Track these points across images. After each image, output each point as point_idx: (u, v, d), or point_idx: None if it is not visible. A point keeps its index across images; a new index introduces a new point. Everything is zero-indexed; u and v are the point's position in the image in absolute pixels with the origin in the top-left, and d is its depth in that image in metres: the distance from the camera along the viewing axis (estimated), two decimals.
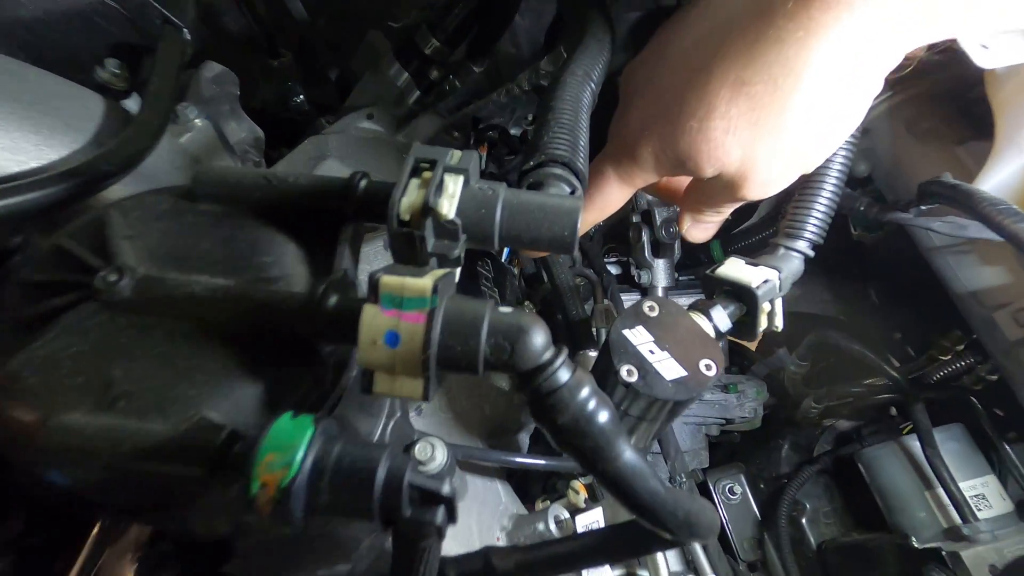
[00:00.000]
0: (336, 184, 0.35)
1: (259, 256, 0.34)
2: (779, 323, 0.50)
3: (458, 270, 0.35)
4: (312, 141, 0.73)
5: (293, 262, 0.34)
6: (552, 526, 0.55)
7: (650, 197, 0.85)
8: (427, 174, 0.33)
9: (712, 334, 0.47)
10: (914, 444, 0.70)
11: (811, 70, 0.36)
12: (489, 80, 0.86)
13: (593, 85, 0.44)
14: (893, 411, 0.87)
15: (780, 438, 0.89)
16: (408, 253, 0.33)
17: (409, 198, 0.32)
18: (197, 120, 0.56)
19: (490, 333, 0.29)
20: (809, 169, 0.43)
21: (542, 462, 0.55)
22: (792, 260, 0.51)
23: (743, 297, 0.49)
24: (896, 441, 0.71)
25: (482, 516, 0.55)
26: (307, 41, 0.90)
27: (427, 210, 0.32)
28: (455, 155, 0.34)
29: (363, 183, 0.35)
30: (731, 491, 0.83)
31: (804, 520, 0.80)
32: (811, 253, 0.51)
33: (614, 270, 0.90)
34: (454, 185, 0.33)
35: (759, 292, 0.47)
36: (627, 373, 0.44)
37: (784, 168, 0.41)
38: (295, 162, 0.71)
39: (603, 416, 0.30)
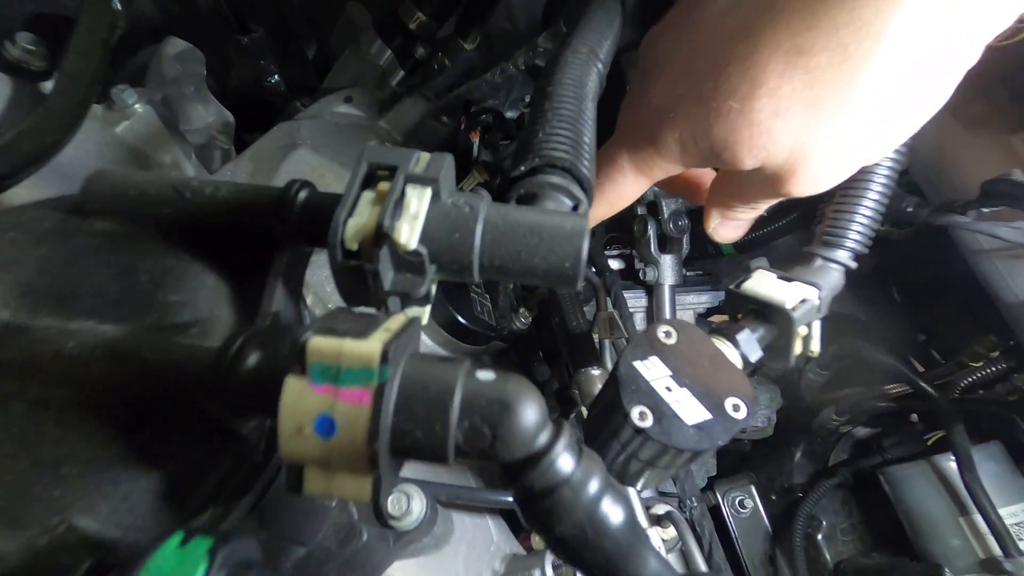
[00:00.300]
0: (268, 197, 0.26)
1: (165, 293, 0.25)
2: (816, 347, 0.41)
3: (426, 311, 0.26)
4: (282, 128, 0.64)
5: (211, 302, 0.25)
6: (549, 572, 0.47)
7: (656, 187, 0.76)
8: (383, 185, 0.24)
9: (739, 364, 0.39)
10: (947, 464, 0.62)
11: (893, 33, 0.27)
12: (481, 58, 0.76)
13: (600, 65, 0.34)
14: (914, 416, 0.79)
15: (792, 445, 0.81)
16: (358, 292, 0.24)
17: (358, 219, 0.23)
18: (137, 105, 0.47)
19: (463, 412, 0.20)
20: (874, 160, 0.35)
21: None
22: (831, 273, 0.42)
23: (775, 319, 0.40)
24: (927, 461, 0.63)
25: (470, 560, 0.47)
26: (281, 14, 0.80)
27: (381, 236, 0.23)
28: (421, 159, 0.25)
29: (302, 195, 0.26)
30: (741, 504, 0.76)
31: (820, 537, 0.72)
32: (854, 265, 0.43)
33: (616, 264, 0.81)
34: (419, 201, 0.24)
35: (795, 314, 0.39)
36: (639, 416, 0.36)
37: (844, 159, 0.33)
38: (262, 152, 0.62)
39: (617, 517, 0.22)
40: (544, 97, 0.31)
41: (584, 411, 0.55)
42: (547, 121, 0.29)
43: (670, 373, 0.37)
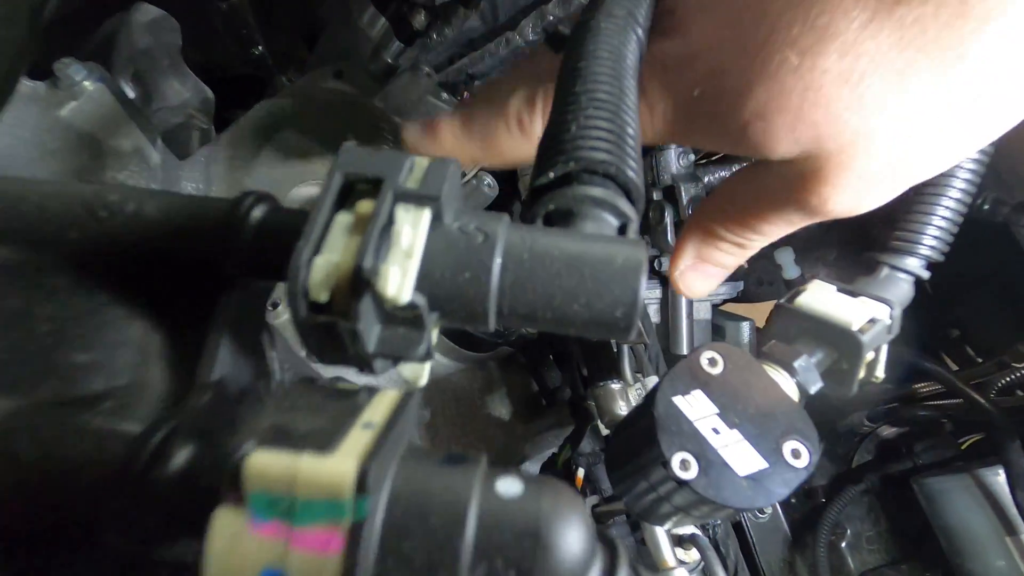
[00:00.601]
0: (212, 215, 0.19)
1: (70, 351, 0.18)
2: (881, 373, 0.35)
3: (425, 369, 0.19)
4: (264, 106, 0.56)
5: (135, 362, 0.18)
6: None
7: (675, 170, 0.68)
8: (365, 206, 0.17)
9: (795, 397, 0.32)
10: (994, 479, 0.56)
11: None
12: (485, 27, 0.68)
13: (640, 32, 0.27)
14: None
15: None
16: (332, 350, 0.17)
17: (329, 258, 0.16)
18: (86, 82, 0.39)
19: (480, 553, 0.14)
20: (956, 161, 0.27)
21: None
22: (900, 285, 0.35)
23: (836, 341, 0.33)
24: (970, 475, 0.57)
25: None
26: None
27: (362, 283, 0.16)
28: (416, 166, 0.18)
29: (256, 213, 0.19)
30: (759, 509, 0.70)
31: (844, 545, 0.67)
32: (926, 275, 0.36)
33: None
34: (413, 230, 0.17)
35: (864, 338, 0.32)
36: (681, 465, 0.29)
37: (921, 159, 0.24)
38: (241, 133, 0.54)
39: None
40: (574, 77, 0.23)
41: (601, 427, 0.48)
42: (580, 109, 0.22)
43: (717, 411, 0.30)
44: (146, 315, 0.19)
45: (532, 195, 0.20)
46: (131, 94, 0.61)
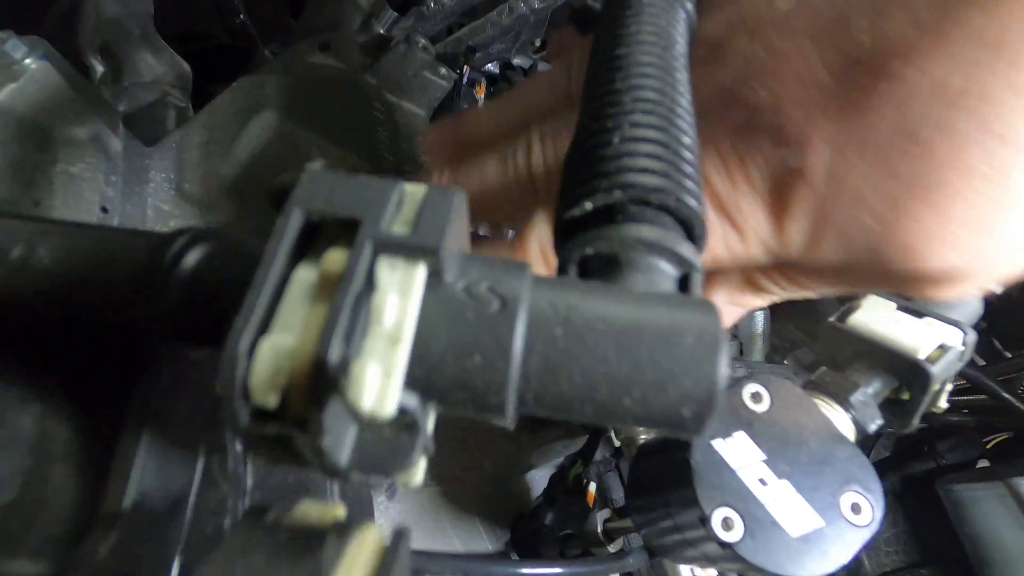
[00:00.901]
0: (129, 262, 0.14)
1: None
2: (944, 403, 0.30)
3: (420, 470, 0.14)
4: (244, 84, 0.50)
5: (25, 469, 0.13)
6: None
7: None
8: (334, 258, 0.12)
9: (852, 436, 0.28)
10: None
11: None
12: None
13: (689, 6, 0.21)
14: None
15: None
16: (289, 460, 0.12)
17: (279, 343, 0.11)
18: (28, 60, 0.33)
19: None
20: None
21: (557, 571, 0.37)
22: (969, 301, 0.30)
23: (899, 369, 0.28)
24: (1004, 483, 0.53)
25: None
26: None
27: (325, 386, 0.11)
28: (407, 198, 0.13)
29: (190, 260, 0.14)
30: None
31: None
32: (999, 288, 0.31)
33: None
34: (403, 299, 0.12)
35: (934, 369, 0.27)
36: (724, 524, 0.25)
37: None
38: (218, 115, 0.48)
39: None
40: (612, 68, 0.18)
41: (615, 440, 0.44)
42: (624, 113, 0.16)
43: (764, 457, 0.26)
44: (43, 399, 0.14)
45: (562, 232, 0.15)
46: (99, 69, 0.55)
